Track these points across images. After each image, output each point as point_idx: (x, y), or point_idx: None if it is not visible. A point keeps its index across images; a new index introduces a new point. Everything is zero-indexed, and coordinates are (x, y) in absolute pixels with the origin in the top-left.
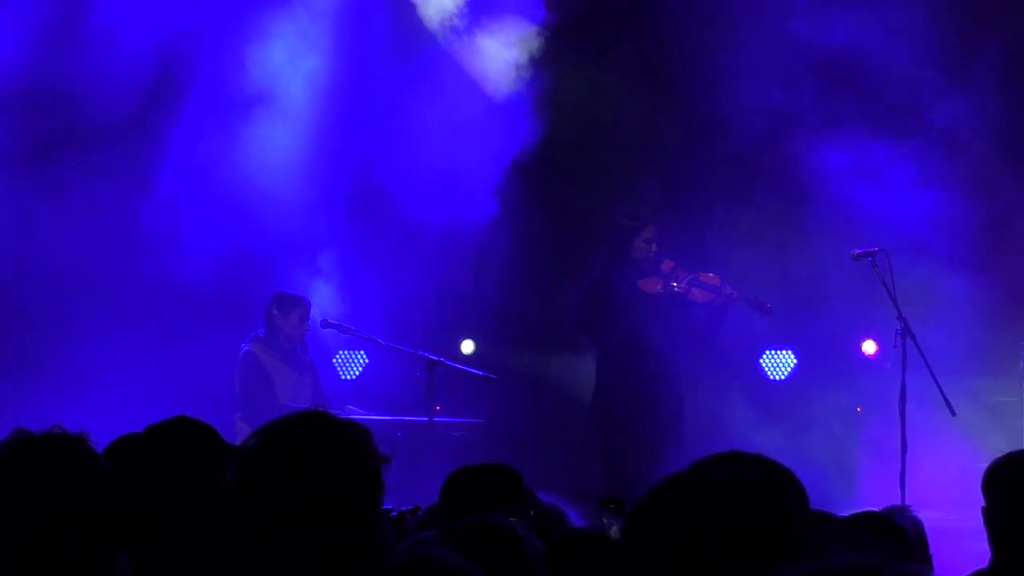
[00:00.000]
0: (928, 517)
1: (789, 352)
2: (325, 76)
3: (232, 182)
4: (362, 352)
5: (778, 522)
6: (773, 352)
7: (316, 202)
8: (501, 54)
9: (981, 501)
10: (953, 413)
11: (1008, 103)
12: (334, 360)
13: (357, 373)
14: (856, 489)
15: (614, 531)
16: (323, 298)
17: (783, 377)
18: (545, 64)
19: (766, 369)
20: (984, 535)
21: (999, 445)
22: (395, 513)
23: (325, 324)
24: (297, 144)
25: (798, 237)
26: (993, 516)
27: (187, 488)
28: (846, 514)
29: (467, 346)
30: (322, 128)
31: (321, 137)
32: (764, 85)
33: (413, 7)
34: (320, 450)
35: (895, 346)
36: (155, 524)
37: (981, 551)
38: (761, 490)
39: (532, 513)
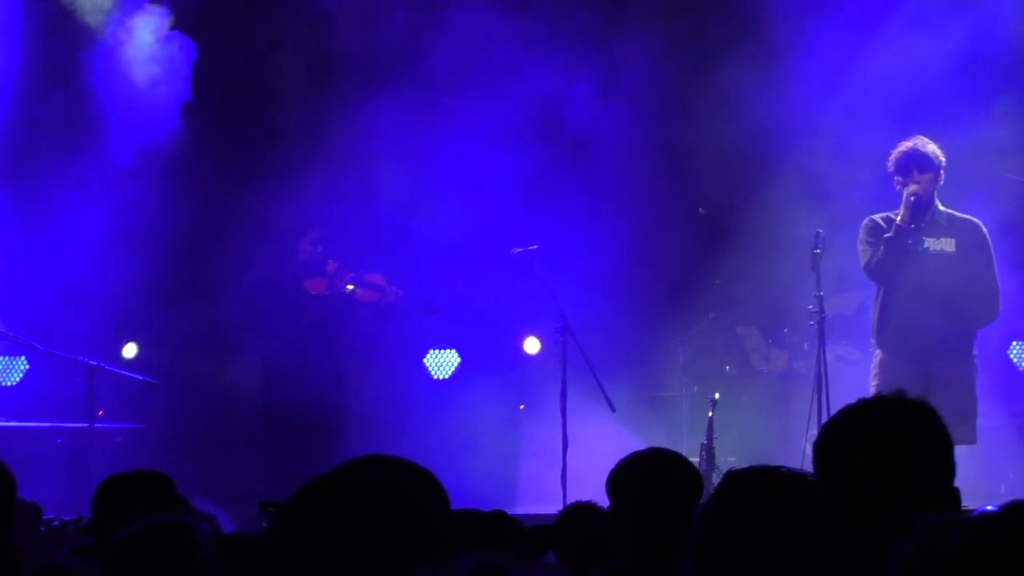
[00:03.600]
0: None
1: (453, 351)
2: None
3: None
4: (22, 358)
5: (421, 522)
6: (437, 351)
7: None
8: (149, 45)
9: None
10: (613, 409)
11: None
12: None
13: (17, 380)
14: (518, 487)
15: None
16: None
17: (447, 376)
18: (211, 60)
19: (430, 368)
20: None
21: (660, 440)
22: (57, 523)
23: None
24: None
25: (461, 236)
26: (616, 516)
27: None
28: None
29: (129, 350)
30: None
31: None
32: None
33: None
34: None
35: (556, 344)
36: None
37: None
38: (405, 491)
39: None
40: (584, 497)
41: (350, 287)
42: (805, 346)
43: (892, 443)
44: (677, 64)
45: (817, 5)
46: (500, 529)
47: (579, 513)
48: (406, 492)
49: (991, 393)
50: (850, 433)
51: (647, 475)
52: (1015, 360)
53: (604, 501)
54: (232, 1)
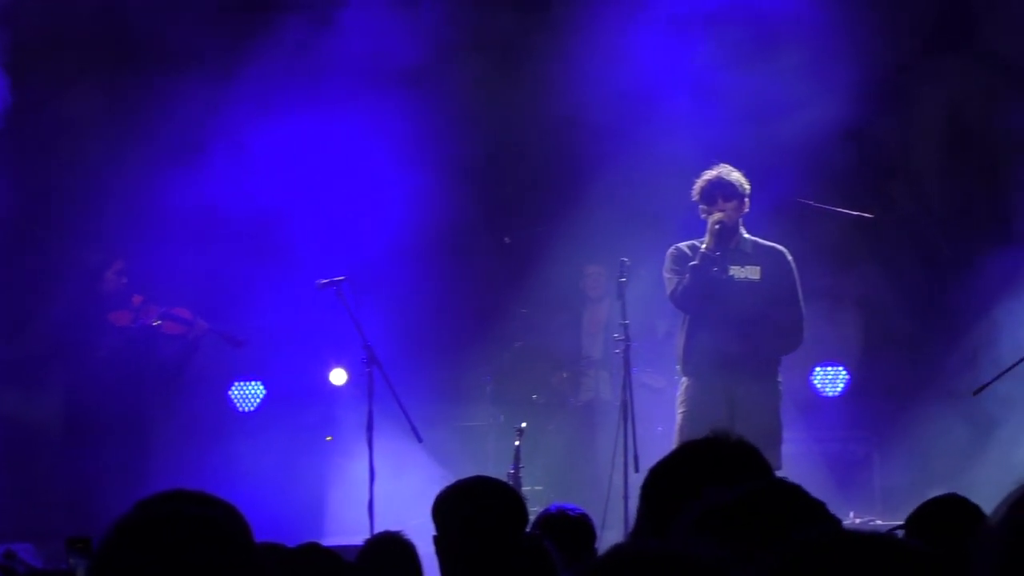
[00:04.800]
0: None
1: (258, 383)
2: None
3: None
4: None
5: (240, 557)
6: (242, 383)
7: None
8: None
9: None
10: (420, 439)
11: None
12: None
13: None
14: (325, 518)
15: (80, 572)
16: None
17: (252, 408)
18: (12, 93)
19: (235, 400)
20: None
21: (467, 469)
22: None
23: None
24: None
25: (264, 268)
26: (442, 543)
27: None
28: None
29: None
30: None
31: None
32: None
33: None
34: None
35: (362, 375)
36: None
37: None
38: (220, 525)
39: None
40: (391, 527)
41: (157, 322)
42: (610, 374)
43: (720, 485)
44: (480, 89)
45: (620, 30)
46: (312, 562)
47: (383, 543)
48: (221, 527)
49: (795, 419)
50: (677, 478)
51: (474, 502)
52: (819, 386)
53: (410, 530)
54: (34, 33)
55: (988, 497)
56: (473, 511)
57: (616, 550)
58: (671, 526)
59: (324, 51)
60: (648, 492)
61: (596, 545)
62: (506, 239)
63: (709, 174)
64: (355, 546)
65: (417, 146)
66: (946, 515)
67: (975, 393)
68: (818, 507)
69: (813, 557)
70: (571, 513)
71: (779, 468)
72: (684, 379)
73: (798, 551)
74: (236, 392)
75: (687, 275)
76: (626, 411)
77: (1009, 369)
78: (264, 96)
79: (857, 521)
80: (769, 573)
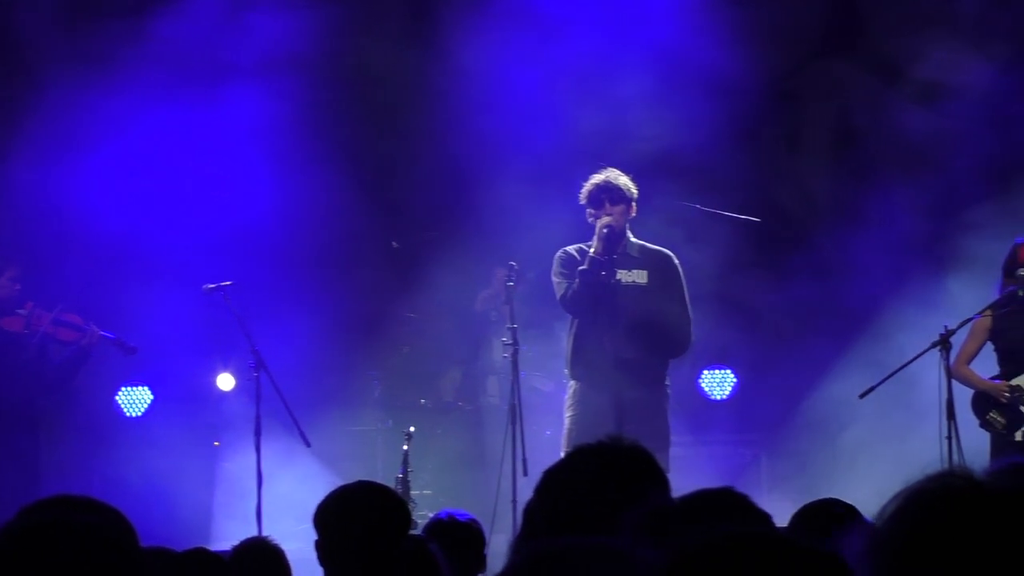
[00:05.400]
0: (289, 548)
1: (145, 388)
2: None
3: None
4: None
5: (125, 562)
6: (129, 389)
7: None
8: None
9: None
10: (308, 444)
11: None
12: None
13: None
14: (212, 523)
15: None
16: None
17: (139, 414)
18: None
19: (122, 406)
20: None
21: (356, 473)
22: None
23: None
24: None
25: (148, 272)
26: (324, 548)
27: None
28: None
29: None
30: None
31: None
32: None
33: None
34: None
35: (250, 380)
36: None
37: None
38: (106, 532)
39: None
40: (279, 531)
41: (51, 329)
42: (497, 378)
43: (616, 491)
44: (367, 96)
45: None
46: (198, 566)
47: (251, 549)
48: (106, 533)
49: (683, 422)
50: (571, 482)
51: (356, 507)
52: (706, 389)
53: (296, 536)
54: None
55: (874, 497)
56: (353, 516)
57: (539, 548)
58: (565, 530)
59: (203, 49)
60: (542, 495)
61: (486, 551)
62: (394, 243)
63: (596, 178)
64: None
65: (305, 151)
66: (823, 518)
67: (861, 396)
68: (765, 518)
69: (710, 554)
70: (460, 519)
71: (667, 471)
72: (572, 383)
73: (696, 547)
74: (123, 397)
75: (576, 279)
76: (515, 415)
77: (895, 372)
78: (143, 98)
79: None
80: (669, 567)
